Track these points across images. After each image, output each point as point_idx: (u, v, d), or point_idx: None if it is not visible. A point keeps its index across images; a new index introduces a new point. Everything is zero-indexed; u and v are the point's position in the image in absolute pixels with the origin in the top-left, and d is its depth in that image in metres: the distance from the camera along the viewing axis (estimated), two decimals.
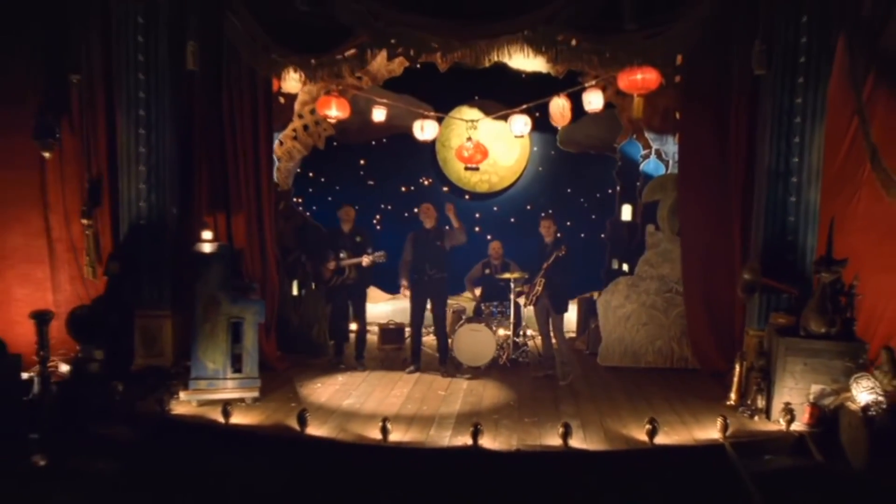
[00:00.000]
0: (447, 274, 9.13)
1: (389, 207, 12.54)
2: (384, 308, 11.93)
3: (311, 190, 12.46)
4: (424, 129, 9.74)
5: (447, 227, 9.20)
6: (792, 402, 7.09)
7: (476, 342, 9.06)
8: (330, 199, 12.48)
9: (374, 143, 12.24)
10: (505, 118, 10.13)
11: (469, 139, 9.92)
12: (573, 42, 8.16)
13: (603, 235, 11.78)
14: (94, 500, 6.20)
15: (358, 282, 9.25)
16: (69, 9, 8.41)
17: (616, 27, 7.88)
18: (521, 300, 9.61)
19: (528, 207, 12.37)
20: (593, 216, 12.37)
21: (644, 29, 7.87)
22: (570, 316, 10.42)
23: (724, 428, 6.72)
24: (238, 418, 7.03)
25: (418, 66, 9.54)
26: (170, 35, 8.37)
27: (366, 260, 9.14)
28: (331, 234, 9.55)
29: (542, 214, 9.45)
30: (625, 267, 10.62)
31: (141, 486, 6.37)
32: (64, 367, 8.07)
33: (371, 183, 12.58)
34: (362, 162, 12.51)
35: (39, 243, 8.57)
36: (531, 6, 7.88)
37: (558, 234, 9.21)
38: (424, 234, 9.13)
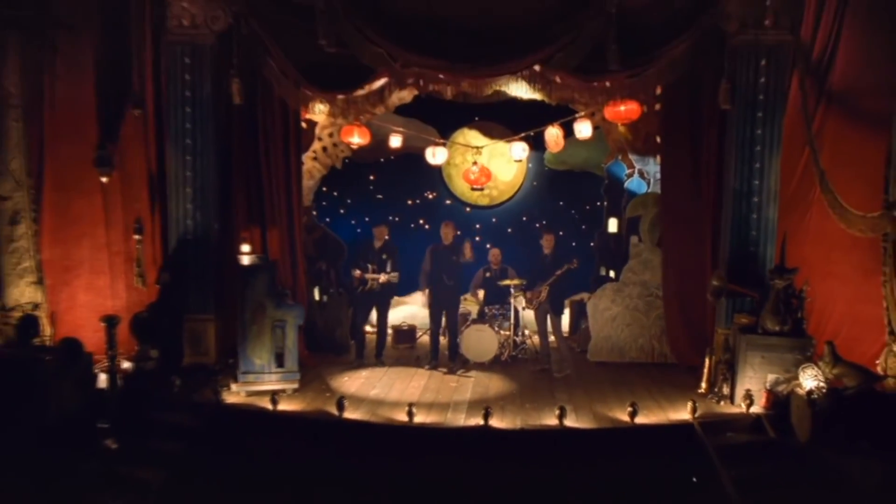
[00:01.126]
0: (460, 283, 10.57)
1: (397, 219, 13.86)
2: (395, 313, 13.26)
3: (324, 203, 13.81)
4: (436, 155, 11.20)
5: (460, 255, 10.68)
6: (752, 389, 8.52)
7: (481, 341, 10.48)
8: (342, 211, 13.88)
9: (382, 160, 13.60)
10: (503, 138, 11.58)
11: (475, 163, 11.37)
12: (563, 80, 9.62)
13: (592, 244, 13.21)
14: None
15: (382, 291, 10.62)
16: (125, 52, 9.74)
17: (601, 68, 9.32)
18: (522, 303, 11.02)
19: (524, 218, 13.81)
20: (583, 226, 13.81)
21: (626, 70, 9.31)
22: (564, 317, 11.82)
23: (694, 410, 8.17)
24: (283, 406, 8.41)
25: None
26: (213, 73, 9.75)
27: (382, 278, 10.52)
28: (363, 247, 10.88)
29: (544, 230, 10.85)
30: (612, 274, 12.04)
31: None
32: (126, 364, 9.40)
33: (380, 197, 13.95)
34: (372, 177, 13.88)
35: (101, 256, 9.90)
36: (529, 51, 9.32)
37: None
38: (443, 249, 10.53)
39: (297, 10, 9.47)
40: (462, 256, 10.65)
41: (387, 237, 10.86)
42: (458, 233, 10.99)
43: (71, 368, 8.63)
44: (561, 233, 13.24)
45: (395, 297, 12.95)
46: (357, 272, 10.56)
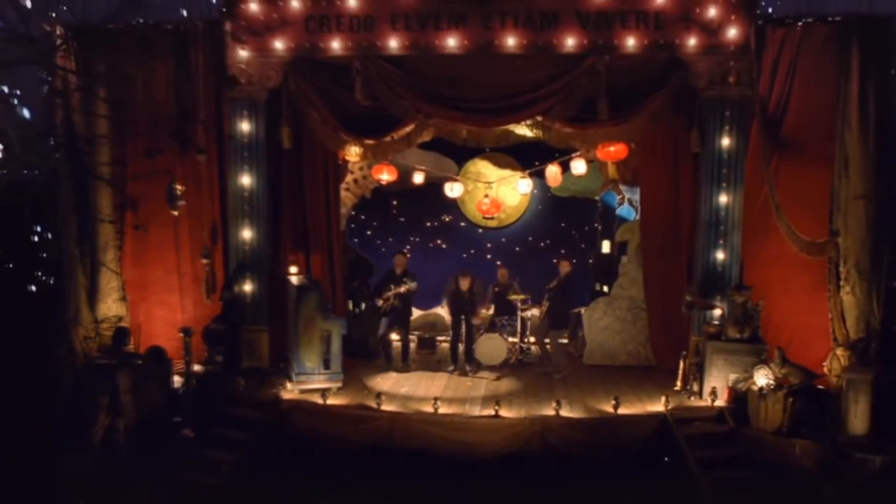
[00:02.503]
0: (476, 298, 12.56)
1: (416, 240, 15.82)
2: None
3: (353, 226, 15.77)
4: (453, 189, 13.24)
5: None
6: (716, 387, 10.47)
7: (492, 347, 12.41)
8: (369, 233, 15.84)
9: (404, 188, 15.54)
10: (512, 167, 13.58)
11: (486, 196, 13.39)
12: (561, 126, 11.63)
13: (591, 261, 15.15)
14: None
15: (403, 308, 12.58)
16: (190, 108, 11.76)
17: (593, 118, 11.30)
18: (528, 314, 13.01)
19: (530, 238, 15.75)
20: (582, 245, 15.74)
21: (613, 120, 11.28)
22: None
23: (667, 403, 10.13)
24: (331, 400, 10.40)
25: None
26: (266, 122, 11.77)
27: (402, 288, 12.45)
28: (386, 275, 12.81)
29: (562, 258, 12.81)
30: (605, 288, 13.95)
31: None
32: (197, 367, 11.40)
33: (402, 220, 15.90)
34: (395, 203, 15.83)
35: (172, 277, 11.94)
36: (531, 105, 11.31)
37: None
38: (462, 294, 12.44)
39: (336, 70, 11.53)
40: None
41: (406, 264, 12.74)
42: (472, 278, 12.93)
43: (156, 371, 10.68)
44: (562, 250, 15.23)
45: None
46: (381, 302, 12.50)
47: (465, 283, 12.47)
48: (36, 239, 13.85)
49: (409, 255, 13.10)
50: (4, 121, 7.61)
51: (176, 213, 11.68)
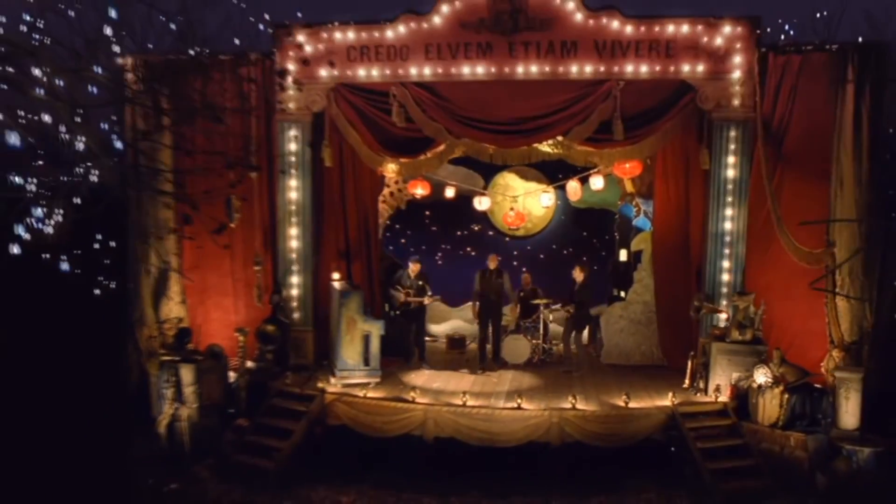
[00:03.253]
0: (501, 300, 13.62)
1: (448, 247, 16.92)
2: (445, 326, 16.26)
3: (388, 235, 16.92)
4: (482, 203, 14.37)
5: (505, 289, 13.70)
6: (720, 384, 11.46)
7: (517, 346, 13.48)
8: (403, 241, 16.98)
9: (436, 200, 16.68)
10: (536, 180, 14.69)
11: (512, 209, 14.50)
12: (580, 146, 12.70)
13: (609, 269, 16.17)
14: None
15: (419, 311, 13.59)
16: (243, 130, 12.96)
17: (609, 139, 12.35)
18: (550, 317, 14.06)
19: (554, 246, 16.80)
20: (603, 253, 16.76)
21: (628, 140, 12.32)
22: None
23: (673, 399, 11.14)
24: (371, 394, 11.56)
25: None
26: (311, 142, 12.98)
27: (427, 300, 13.49)
28: (399, 276, 13.71)
29: (578, 264, 13.77)
30: (622, 293, 14.96)
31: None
32: (249, 364, 12.62)
33: (434, 229, 17.02)
34: (427, 213, 16.95)
35: (227, 281, 13.18)
36: (552, 127, 12.39)
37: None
38: (489, 273, 13.53)
39: (374, 95, 12.71)
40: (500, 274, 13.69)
41: (420, 269, 13.71)
42: (500, 258, 13.98)
43: (214, 367, 11.92)
44: (584, 258, 16.26)
45: (445, 310, 16.05)
46: (401, 295, 13.43)
47: (492, 263, 13.54)
48: (97, 245, 15.12)
49: (422, 263, 13.90)
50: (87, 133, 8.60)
51: (233, 224, 12.89)
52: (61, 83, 8.13)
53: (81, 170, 8.28)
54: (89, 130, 8.02)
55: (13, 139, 7.53)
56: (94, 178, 8.58)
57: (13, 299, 11.96)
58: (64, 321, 12.46)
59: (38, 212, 8.29)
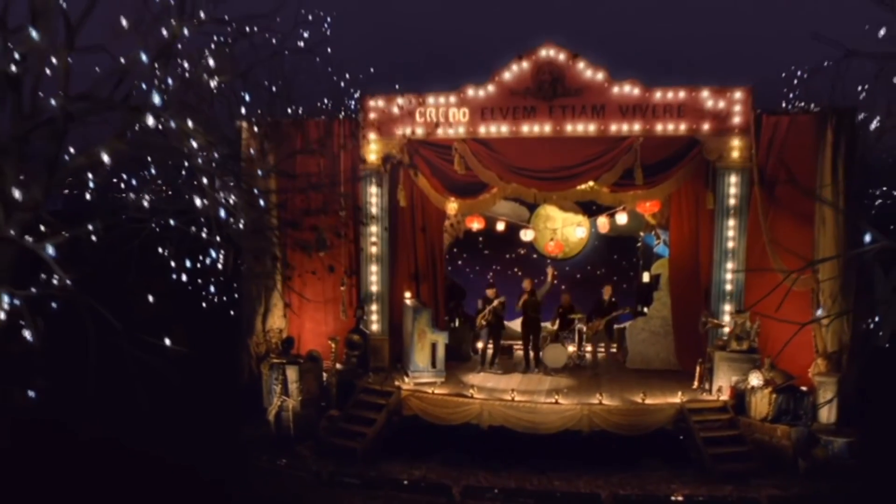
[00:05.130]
0: (541, 315, 15.72)
1: (497, 268, 19.08)
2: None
3: (447, 257, 19.10)
4: (526, 235, 16.53)
5: (541, 278, 15.73)
6: (722, 385, 13.39)
7: (556, 353, 15.53)
8: (460, 262, 19.19)
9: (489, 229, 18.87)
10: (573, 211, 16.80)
11: (552, 239, 16.63)
12: (609, 190, 14.76)
13: (635, 287, 18.17)
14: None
15: (496, 323, 15.74)
16: (333, 176, 15.30)
17: (631, 183, 14.38)
18: (584, 328, 16.10)
19: (588, 267, 18.84)
20: (631, 273, 18.76)
21: (647, 184, 14.34)
22: None
23: (682, 397, 13.12)
24: (438, 391, 13.75)
25: None
26: (388, 186, 15.27)
27: (496, 302, 15.58)
28: (482, 302, 15.97)
29: (606, 282, 15.84)
30: (644, 309, 16.92)
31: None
32: (338, 366, 14.91)
33: (486, 252, 19.20)
34: (481, 239, 19.13)
35: (319, 299, 15.48)
36: (585, 175, 14.46)
37: (613, 299, 15.76)
38: (531, 295, 15.63)
39: (440, 148, 14.93)
40: (545, 283, 15.79)
41: (496, 293, 15.86)
42: (535, 281, 16.07)
43: (313, 368, 14.24)
44: (615, 278, 18.29)
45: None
46: (481, 320, 15.57)
47: (527, 285, 15.65)
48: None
49: (496, 287, 16.13)
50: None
51: (323, 254, 15.19)
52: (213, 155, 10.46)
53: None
54: (240, 192, 10.29)
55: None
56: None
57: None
58: (193, 329, 14.88)
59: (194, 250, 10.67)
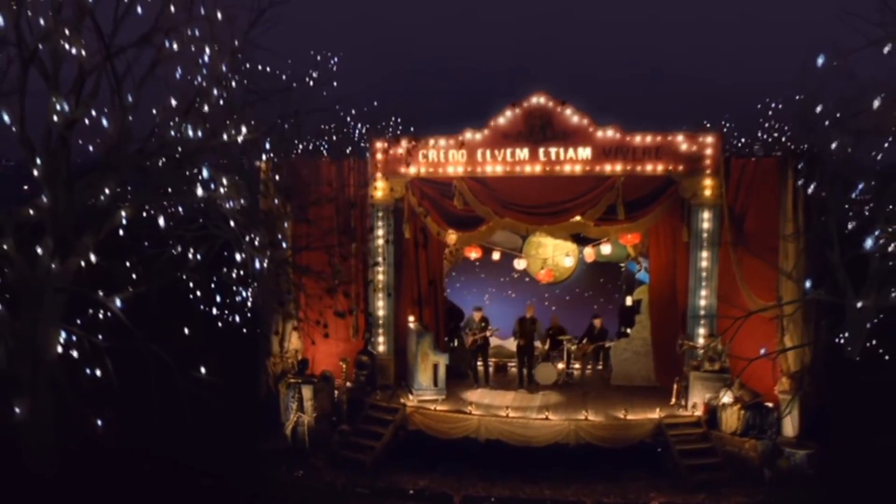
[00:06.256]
0: (534, 338, 16.70)
1: (493, 290, 20.03)
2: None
3: (446, 280, 20.10)
4: (519, 264, 17.53)
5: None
6: (697, 402, 14.36)
7: (546, 372, 16.48)
8: (458, 285, 20.16)
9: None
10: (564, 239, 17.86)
11: (543, 267, 17.62)
12: (594, 224, 15.77)
13: (619, 311, 19.15)
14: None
15: (485, 344, 16.78)
16: (344, 210, 16.30)
17: (614, 218, 15.39)
18: (574, 348, 17.06)
19: (577, 290, 19.82)
20: (616, 295, 19.76)
21: (628, 219, 15.34)
22: None
23: (660, 412, 14.09)
24: (439, 407, 14.71)
25: None
26: (394, 220, 16.26)
27: (489, 332, 16.64)
28: (468, 321, 17.05)
29: (594, 314, 16.88)
30: (627, 330, 17.87)
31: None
32: (348, 384, 15.86)
33: (482, 276, 20.17)
34: (477, 264, 20.11)
35: (330, 323, 16.41)
36: (572, 211, 15.45)
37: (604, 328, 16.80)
38: (526, 321, 16.61)
39: (441, 185, 15.93)
40: (535, 321, 16.80)
41: (482, 315, 16.91)
42: (534, 306, 17.09)
43: (326, 387, 15.19)
44: (602, 300, 19.29)
45: (498, 340, 19.09)
46: (469, 338, 16.72)
47: (529, 312, 16.68)
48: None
49: (482, 309, 17.18)
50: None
51: (336, 281, 16.16)
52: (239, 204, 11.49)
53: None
54: (263, 235, 11.29)
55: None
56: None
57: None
58: (218, 352, 15.83)
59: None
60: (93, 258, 8.85)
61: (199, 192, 8.24)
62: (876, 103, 9.93)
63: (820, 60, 8.51)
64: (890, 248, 11.84)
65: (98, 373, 7.99)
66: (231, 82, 9.86)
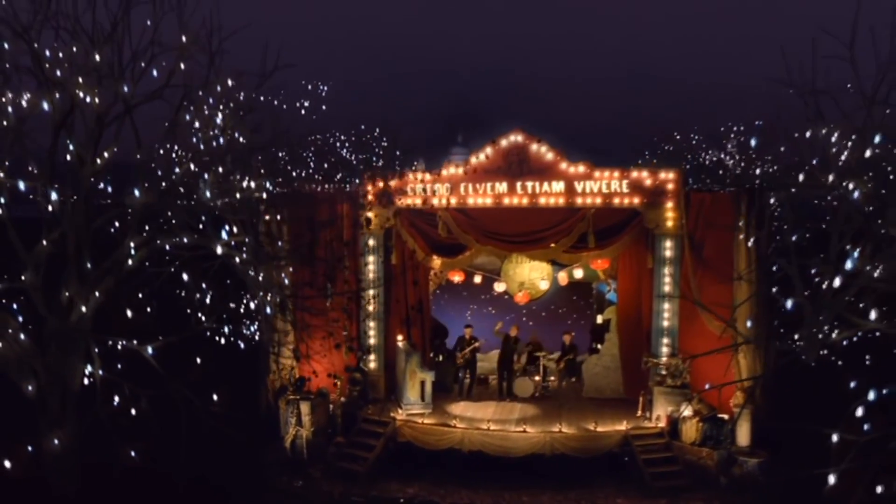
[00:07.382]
0: (513, 355, 17.61)
1: (475, 307, 20.91)
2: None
3: (432, 297, 20.92)
4: (499, 287, 18.44)
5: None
6: (660, 414, 15.33)
7: (524, 385, 17.39)
8: (442, 303, 21.01)
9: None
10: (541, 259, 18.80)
11: (520, 290, 18.53)
12: (565, 251, 16.70)
13: (590, 328, 20.10)
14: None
15: (472, 360, 17.64)
16: (337, 238, 17.12)
17: (585, 246, 16.34)
18: (552, 365, 17.97)
19: (552, 307, 20.76)
20: (588, 312, 20.72)
21: (597, 247, 16.31)
22: None
23: (627, 424, 15.03)
24: (426, 421, 15.56)
25: None
26: (384, 248, 17.11)
27: (477, 344, 17.50)
28: (458, 340, 17.92)
29: (566, 332, 17.81)
30: (598, 346, 18.81)
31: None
32: (343, 399, 16.66)
33: (465, 294, 21.05)
34: (460, 284, 20.98)
35: (325, 343, 17.21)
36: (547, 239, 16.38)
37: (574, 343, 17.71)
38: (509, 339, 17.51)
39: (426, 215, 16.81)
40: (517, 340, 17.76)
41: (472, 332, 17.81)
42: (518, 327, 18.01)
43: (322, 402, 16.00)
44: (575, 315, 20.24)
45: (481, 354, 19.91)
46: (460, 357, 17.59)
47: (513, 331, 17.60)
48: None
49: (472, 326, 18.11)
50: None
51: (328, 303, 16.98)
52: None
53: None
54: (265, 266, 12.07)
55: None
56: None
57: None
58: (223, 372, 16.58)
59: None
60: (128, 313, 9.61)
61: (219, 250, 9.01)
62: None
63: (753, 142, 9.38)
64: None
65: (133, 411, 8.77)
66: (240, 138, 10.64)
